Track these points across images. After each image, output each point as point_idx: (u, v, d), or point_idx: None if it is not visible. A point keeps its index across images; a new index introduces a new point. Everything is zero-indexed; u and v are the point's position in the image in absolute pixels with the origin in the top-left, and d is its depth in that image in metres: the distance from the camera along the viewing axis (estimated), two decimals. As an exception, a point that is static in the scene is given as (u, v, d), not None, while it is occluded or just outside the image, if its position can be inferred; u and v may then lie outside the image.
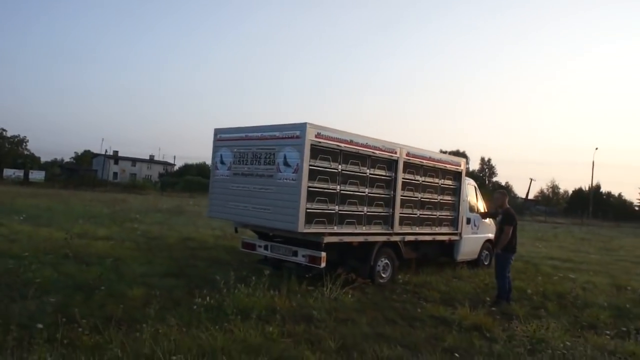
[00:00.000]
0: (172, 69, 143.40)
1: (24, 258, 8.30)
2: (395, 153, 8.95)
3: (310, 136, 7.38)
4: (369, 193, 8.52)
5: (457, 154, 59.45)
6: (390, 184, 8.96)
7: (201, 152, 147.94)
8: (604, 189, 76.41)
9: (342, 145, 7.92)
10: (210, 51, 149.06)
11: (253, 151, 8.19)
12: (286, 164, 7.58)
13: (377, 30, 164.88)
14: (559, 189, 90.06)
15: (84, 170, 71.48)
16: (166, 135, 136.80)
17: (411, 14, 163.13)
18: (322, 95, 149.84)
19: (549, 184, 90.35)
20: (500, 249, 8.32)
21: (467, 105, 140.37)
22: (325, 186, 7.74)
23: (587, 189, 73.30)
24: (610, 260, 16.06)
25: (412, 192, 9.45)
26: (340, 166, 7.97)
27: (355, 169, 8.25)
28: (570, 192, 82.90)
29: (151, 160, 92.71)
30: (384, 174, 8.82)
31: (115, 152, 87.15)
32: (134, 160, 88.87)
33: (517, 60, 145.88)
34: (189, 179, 64.76)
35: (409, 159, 9.25)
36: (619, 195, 79.11)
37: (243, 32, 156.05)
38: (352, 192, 8.21)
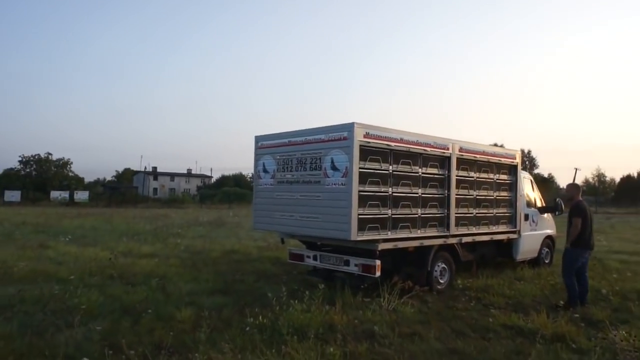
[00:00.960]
0: (202, 80, 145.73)
1: (70, 282, 8.15)
2: (448, 149, 8.35)
3: (358, 137, 6.89)
4: (422, 194, 7.95)
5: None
6: (443, 182, 8.36)
7: (237, 162, 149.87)
8: (655, 173, 72.55)
9: (392, 144, 7.40)
10: (240, 61, 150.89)
11: (297, 157, 7.75)
12: (334, 168, 7.10)
13: (395, 28, 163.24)
14: (605, 177, 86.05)
15: (125, 188, 73.02)
16: (202, 148, 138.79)
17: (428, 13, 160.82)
18: (349, 97, 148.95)
19: (594, 172, 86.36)
20: (569, 244, 7.60)
21: (501, 97, 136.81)
22: (376, 189, 7.22)
23: (636, 175, 70.03)
24: (682, 250, 14.85)
25: (467, 190, 8.82)
26: (391, 167, 7.45)
27: (406, 169, 7.70)
28: (617, 179, 79.28)
29: (189, 174, 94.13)
30: (436, 172, 8.24)
31: (154, 168, 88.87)
32: (172, 175, 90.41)
33: (549, 46, 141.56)
34: (227, 190, 65.29)
35: (462, 155, 8.63)
36: (673, 179, 74.85)
37: (273, 39, 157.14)
38: (404, 194, 7.66)
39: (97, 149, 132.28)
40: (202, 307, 6.57)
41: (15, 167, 67.66)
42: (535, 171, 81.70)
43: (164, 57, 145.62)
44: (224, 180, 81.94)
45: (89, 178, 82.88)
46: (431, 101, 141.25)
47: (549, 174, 77.37)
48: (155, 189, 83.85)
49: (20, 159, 67.64)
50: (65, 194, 56.04)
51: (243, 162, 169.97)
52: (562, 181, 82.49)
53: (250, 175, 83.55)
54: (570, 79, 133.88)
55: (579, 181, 71.17)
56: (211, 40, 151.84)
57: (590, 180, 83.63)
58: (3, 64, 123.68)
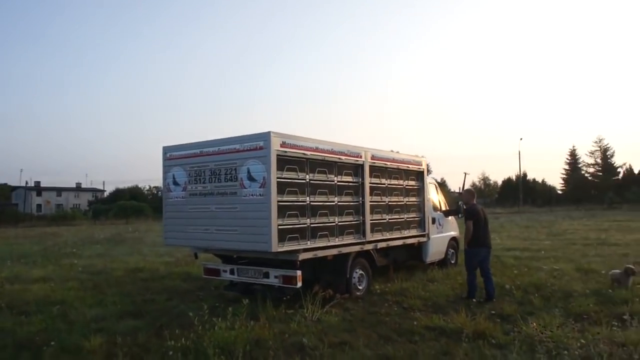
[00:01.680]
0: (89, 88, 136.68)
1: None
2: (361, 157, 8.49)
3: (275, 146, 6.74)
4: (338, 202, 7.99)
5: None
6: (358, 190, 8.48)
7: (132, 175, 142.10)
8: (529, 177, 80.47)
9: (308, 153, 7.35)
10: (125, 70, 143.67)
11: (211, 168, 7.42)
12: (251, 178, 6.88)
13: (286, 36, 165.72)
14: (490, 180, 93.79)
15: (2, 206, 66.10)
16: (92, 160, 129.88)
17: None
18: (249, 109, 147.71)
19: (480, 176, 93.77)
20: (466, 244, 8.23)
21: (393, 105, 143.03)
22: (294, 199, 7.12)
23: (515, 178, 76.98)
24: (562, 244, 16.44)
25: (379, 197, 9.02)
26: (307, 176, 7.39)
27: (323, 178, 7.70)
28: (499, 182, 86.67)
29: (78, 189, 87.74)
30: (351, 180, 8.33)
31: (37, 183, 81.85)
32: (59, 190, 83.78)
33: (438, 57, 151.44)
34: (123, 204, 61.43)
35: (374, 162, 8.82)
36: (543, 181, 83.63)
37: (161, 51, 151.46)
38: (322, 203, 7.64)
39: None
40: (114, 333, 6.01)
41: None
42: (429, 176, 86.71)
43: (46, 61, 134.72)
44: (118, 193, 77.06)
45: (-44, 197, 74.00)
46: (325, 110, 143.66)
47: (442, 178, 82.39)
48: (39, 206, 76.99)
49: None
50: None
51: (139, 174, 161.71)
52: (453, 185, 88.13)
53: (147, 187, 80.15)
54: (457, 88, 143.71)
55: (467, 185, 76.40)
56: (98, 47, 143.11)
57: (477, 183, 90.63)
58: None
